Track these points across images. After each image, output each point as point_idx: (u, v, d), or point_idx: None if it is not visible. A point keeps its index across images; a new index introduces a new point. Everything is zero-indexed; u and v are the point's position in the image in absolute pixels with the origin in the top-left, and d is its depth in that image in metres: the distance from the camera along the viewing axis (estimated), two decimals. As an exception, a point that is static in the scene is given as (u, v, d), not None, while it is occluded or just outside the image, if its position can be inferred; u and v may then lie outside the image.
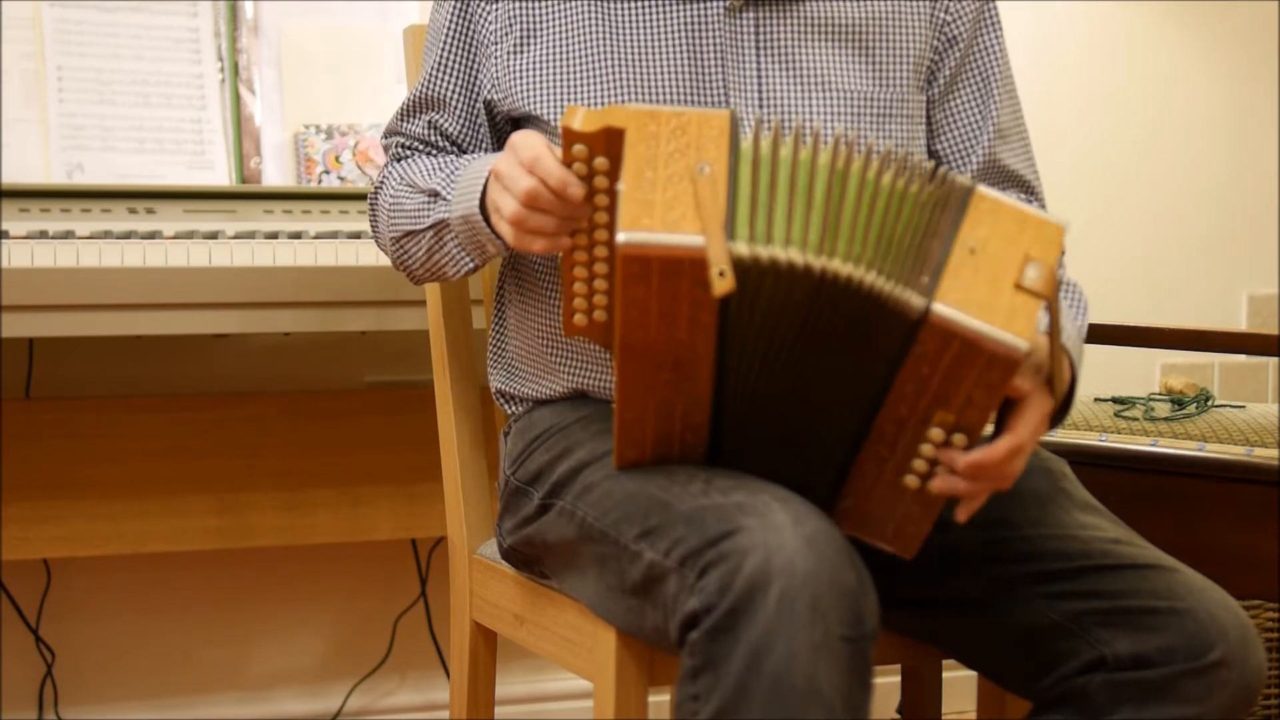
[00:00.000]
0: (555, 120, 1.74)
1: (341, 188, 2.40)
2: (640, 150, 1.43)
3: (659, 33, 1.74)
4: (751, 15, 1.75)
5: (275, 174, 2.42)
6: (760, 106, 1.73)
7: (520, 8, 1.78)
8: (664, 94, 1.73)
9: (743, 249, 1.42)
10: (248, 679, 2.65)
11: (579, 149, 1.49)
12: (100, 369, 2.49)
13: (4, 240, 2.04)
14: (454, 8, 1.81)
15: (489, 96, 1.80)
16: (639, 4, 1.75)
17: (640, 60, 1.74)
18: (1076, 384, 1.63)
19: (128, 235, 2.11)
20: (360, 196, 2.31)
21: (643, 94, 1.73)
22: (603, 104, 1.73)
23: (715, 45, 1.74)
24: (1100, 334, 2.19)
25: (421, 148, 1.84)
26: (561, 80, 1.75)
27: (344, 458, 2.51)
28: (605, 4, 1.75)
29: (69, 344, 2.43)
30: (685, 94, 1.73)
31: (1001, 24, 1.85)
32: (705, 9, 1.74)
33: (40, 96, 2.31)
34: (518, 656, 2.70)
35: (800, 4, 1.76)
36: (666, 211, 1.42)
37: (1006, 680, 1.67)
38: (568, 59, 1.75)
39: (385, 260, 1.87)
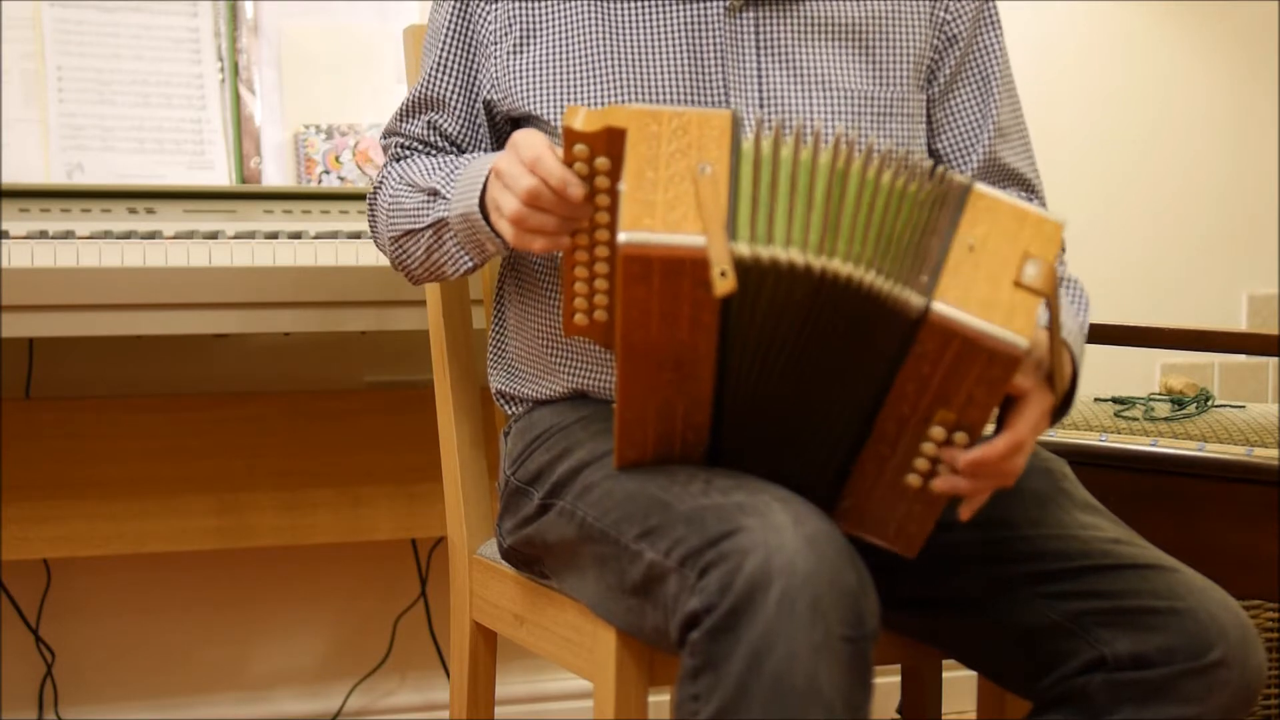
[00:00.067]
0: (555, 120, 1.74)
1: (341, 188, 2.40)
2: (642, 150, 1.43)
3: (659, 33, 1.74)
4: (751, 15, 1.75)
5: (275, 174, 2.42)
6: (760, 106, 1.73)
7: (520, 8, 1.78)
8: (664, 94, 1.73)
9: (744, 249, 1.42)
10: (248, 679, 2.65)
11: (580, 149, 1.49)
12: (100, 369, 2.49)
13: (4, 240, 2.04)
14: (453, 8, 1.81)
15: (488, 97, 1.80)
16: (639, 4, 1.75)
17: (640, 60, 1.74)
18: (1078, 379, 1.63)
19: (128, 235, 2.11)
20: (360, 196, 2.31)
21: (643, 94, 1.73)
22: (603, 104, 1.73)
23: (715, 45, 1.74)
24: (1100, 334, 2.19)
25: (421, 148, 1.84)
26: (561, 80, 1.75)
27: (344, 458, 2.51)
28: (605, 4, 1.75)
29: (69, 344, 2.43)
30: (685, 94, 1.73)
31: (1001, 23, 1.86)
32: (705, 9, 1.74)
33: (40, 96, 2.31)
34: (518, 656, 2.70)
35: (800, 3, 1.76)
36: (668, 211, 1.42)
37: (1006, 680, 1.67)
38: (568, 59, 1.75)
39: (385, 260, 1.87)
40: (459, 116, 1.82)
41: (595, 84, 1.74)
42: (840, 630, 1.40)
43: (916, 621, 1.70)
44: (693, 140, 1.44)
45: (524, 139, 1.54)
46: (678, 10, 1.74)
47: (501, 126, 1.82)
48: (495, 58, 1.79)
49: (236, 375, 2.56)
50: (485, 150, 1.82)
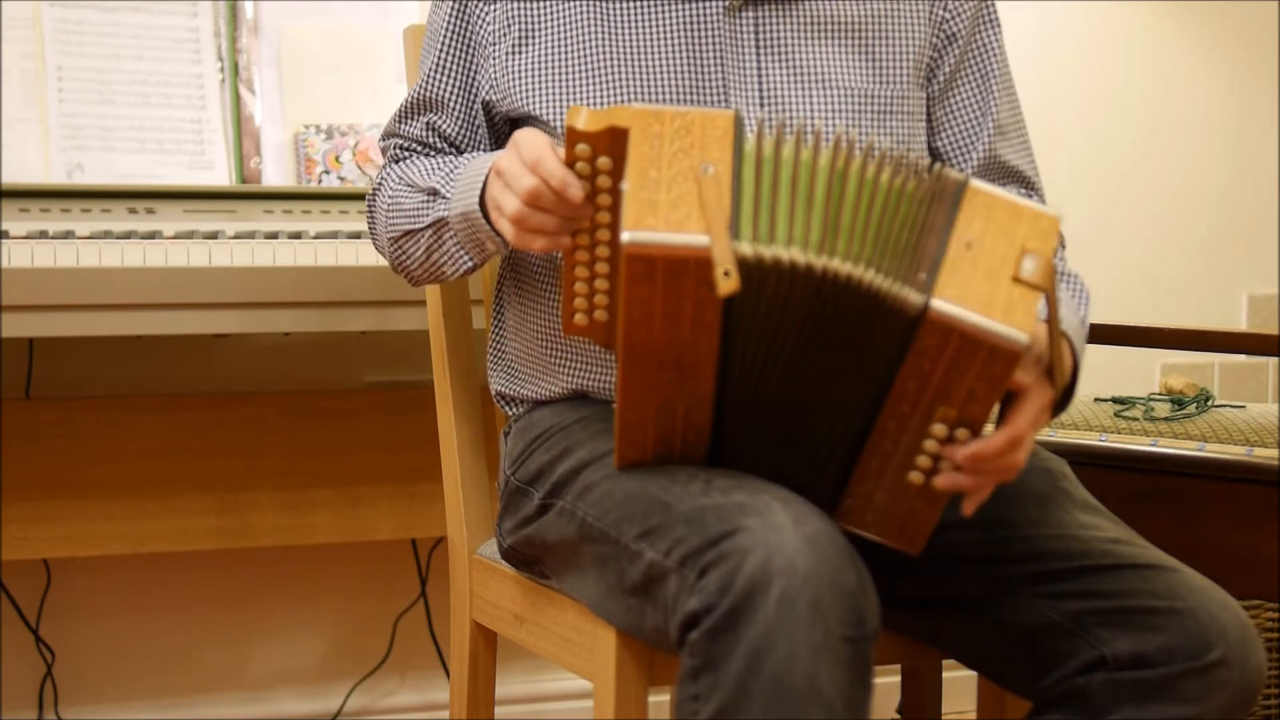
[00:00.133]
0: (554, 120, 1.74)
1: (341, 188, 2.40)
2: (644, 150, 1.43)
3: (659, 32, 1.74)
4: (751, 14, 1.75)
5: (275, 174, 2.42)
6: (761, 105, 1.73)
7: (519, 8, 1.78)
8: (664, 94, 1.73)
9: (747, 249, 1.43)
10: (248, 679, 2.65)
11: (583, 148, 1.49)
12: (100, 369, 2.49)
13: (4, 240, 2.04)
14: (452, 8, 1.81)
15: (487, 97, 1.80)
16: (638, 4, 1.75)
17: (640, 60, 1.74)
18: (1079, 373, 1.63)
19: (128, 235, 2.11)
20: (360, 196, 2.31)
21: (642, 94, 1.73)
22: (602, 104, 1.73)
23: (715, 44, 1.74)
24: (1100, 334, 2.19)
25: (419, 149, 1.84)
26: (561, 80, 1.75)
27: (344, 458, 2.51)
28: (604, 4, 1.75)
29: (69, 344, 2.43)
30: (685, 93, 1.73)
31: (1000, 21, 1.86)
32: (705, 8, 1.74)
33: (40, 96, 2.30)
34: (518, 656, 2.70)
35: (800, 2, 1.76)
36: (671, 211, 1.42)
37: (1006, 680, 1.67)
38: (567, 59, 1.75)
39: (385, 260, 1.87)
40: (458, 117, 1.82)
41: (595, 84, 1.74)
42: (840, 630, 1.40)
43: (916, 621, 1.70)
44: (695, 140, 1.44)
45: (526, 138, 1.54)
46: (677, 10, 1.74)
47: (500, 127, 1.82)
48: (494, 58, 1.79)
49: (236, 375, 2.56)
50: (484, 151, 1.82)
